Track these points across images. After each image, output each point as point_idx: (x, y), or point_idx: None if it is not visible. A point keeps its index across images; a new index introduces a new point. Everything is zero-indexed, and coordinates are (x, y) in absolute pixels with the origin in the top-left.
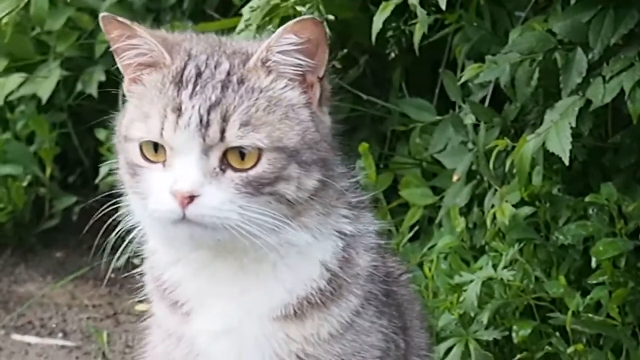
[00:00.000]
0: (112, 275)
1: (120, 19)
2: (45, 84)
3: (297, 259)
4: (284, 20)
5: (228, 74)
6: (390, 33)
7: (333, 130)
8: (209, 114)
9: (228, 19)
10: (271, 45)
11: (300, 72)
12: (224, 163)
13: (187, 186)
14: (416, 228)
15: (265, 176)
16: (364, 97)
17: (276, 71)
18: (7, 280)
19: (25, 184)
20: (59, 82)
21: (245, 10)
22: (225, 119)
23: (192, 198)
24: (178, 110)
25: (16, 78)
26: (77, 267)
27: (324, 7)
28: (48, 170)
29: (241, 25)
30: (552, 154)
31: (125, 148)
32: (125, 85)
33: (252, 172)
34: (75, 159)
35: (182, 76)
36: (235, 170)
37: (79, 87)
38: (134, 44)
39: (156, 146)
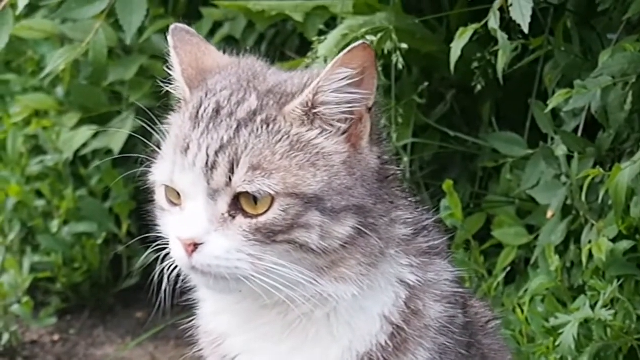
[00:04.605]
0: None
1: (172, 39)
2: (117, 136)
3: (351, 314)
4: None
5: (254, 113)
6: (475, 64)
7: (380, 175)
8: (216, 155)
9: (303, 58)
10: (321, 86)
11: (350, 109)
12: (236, 208)
13: (188, 234)
14: (508, 269)
15: (276, 223)
16: (452, 133)
17: (321, 117)
18: (84, 343)
19: (100, 241)
20: (135, 134)
21: (322, 47)
22: (233, 162)
23: (196, 246)
24: (186, 151)
25: (85, 131)
26: (158, 327)
27: (404, 40)
28: (124, 227)
29: (308, 61)
30: None
31: (156, 190)
32: None
33: (261, 219)
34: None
35: (197, 113)
36: (246, 215)
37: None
38: (172, 65)
39: None
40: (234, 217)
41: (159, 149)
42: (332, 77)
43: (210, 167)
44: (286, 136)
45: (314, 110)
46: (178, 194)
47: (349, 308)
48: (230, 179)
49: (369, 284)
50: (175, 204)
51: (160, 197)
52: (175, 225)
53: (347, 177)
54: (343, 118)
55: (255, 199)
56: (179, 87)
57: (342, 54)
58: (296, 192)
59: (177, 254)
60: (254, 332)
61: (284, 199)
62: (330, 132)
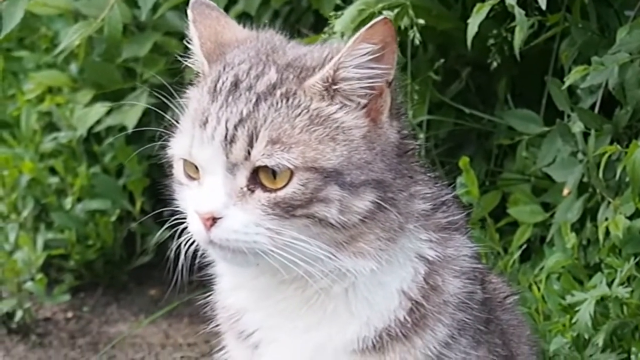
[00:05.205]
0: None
1: (191, 12)
2: (131, 113)
3: (370, 289)
4: None
5: (273, 87)
6: (491, 41)
7: (399, 149)
8: (235, 129)
9: (318, 35)
10: (342, 62)
11: (371, 84)
12: (255, 182)
13: (206, 208)
14: (524, 247)
15: (295, 197)
16: (467, 111)
17: (341, 93)
18: (97, 320)
19: (114, 218)
20: (149, 111)
21: (338, 23)
22: (252, 136)
23: (215, 220)
24: (204, 125)
25: (99, 108)
26: (172, 305)
27: (420, 17)
28: (138, 204)
29: (324, 36)
30: None
31: (174, 164)
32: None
33: (280, 193)
34: (168, 191)
35: (215, 87)
36: (265, 190)
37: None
38: (191, 39)
39: None
40: (252, 192)
41: (177, 123)
42: (354, 52)
43: (229, 141)
44: (306, 110)
45: (335, 86)
46: (196, 168)
47: (367, 283)
48: (249, 153)
49: (388, 259)
50: (194, 178)
51: (178, 171)
52: (194, 199)
53: (366, 152)
54: (363, 93)
55: (274, 173)
56: (197, 61)
57: (363, 29)
58: (315, 166)
59: (195, 228)
60: (272, 308)
61: (303, 173)
62: (351, 107)
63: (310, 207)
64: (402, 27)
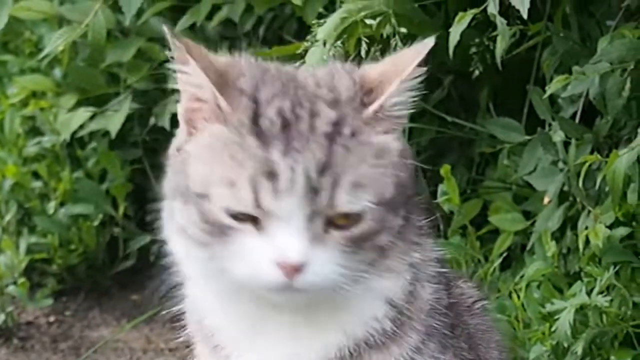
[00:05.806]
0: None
1: (180, 42)
2: (114, 118)
3: (360, 299)
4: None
5: (337, 125)
6: (473, 50)
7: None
8: (317, 176)
9: (301, 42)
10: (400, 87)
11: (410, 105)
12: (329, 222)
13: (296, 258)
14: (504, 255)
15: (370, 231)
16: (449, 119)
17: (391, 120)
18: (79, 325)
19: (96, 223)
20: (132, 116)
21: (321, 31)
22: (335, 183)
23: (299, 267)
24: (273, 175)
25: (83, 113)
26: (154, 310)
27: (402, 25)
28: (121, 209)
29: (307, 43)
30: None
31: (200, 204)
32: (181, 112)
33: (356, 230)
34: (151, 196)
35: (259, 126)
36: (338, 228)
37: (153, 120)
38: (185, 71)
39: None
40: (329, 232)
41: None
42: (411, 76)
43: (313, 190)
44: (369, 145)
45: (387, 113)
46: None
47: (359, 294)
48: (333, 200)
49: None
50: (241, 220)
51: (216, 215)
52: (264, 247)
53: (405, 172)
54: (406, 114)
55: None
56: (202, 89)
57: (424, 52)
58: (382, 200)
59: (267, 277)
60: (251, 324)
61: (374, 207)
62: (396, 131)
63: (375, 238)
64: (384, 36)
